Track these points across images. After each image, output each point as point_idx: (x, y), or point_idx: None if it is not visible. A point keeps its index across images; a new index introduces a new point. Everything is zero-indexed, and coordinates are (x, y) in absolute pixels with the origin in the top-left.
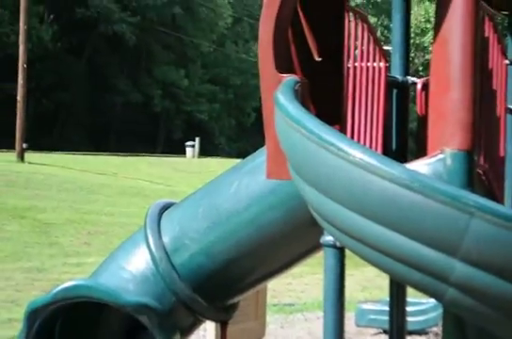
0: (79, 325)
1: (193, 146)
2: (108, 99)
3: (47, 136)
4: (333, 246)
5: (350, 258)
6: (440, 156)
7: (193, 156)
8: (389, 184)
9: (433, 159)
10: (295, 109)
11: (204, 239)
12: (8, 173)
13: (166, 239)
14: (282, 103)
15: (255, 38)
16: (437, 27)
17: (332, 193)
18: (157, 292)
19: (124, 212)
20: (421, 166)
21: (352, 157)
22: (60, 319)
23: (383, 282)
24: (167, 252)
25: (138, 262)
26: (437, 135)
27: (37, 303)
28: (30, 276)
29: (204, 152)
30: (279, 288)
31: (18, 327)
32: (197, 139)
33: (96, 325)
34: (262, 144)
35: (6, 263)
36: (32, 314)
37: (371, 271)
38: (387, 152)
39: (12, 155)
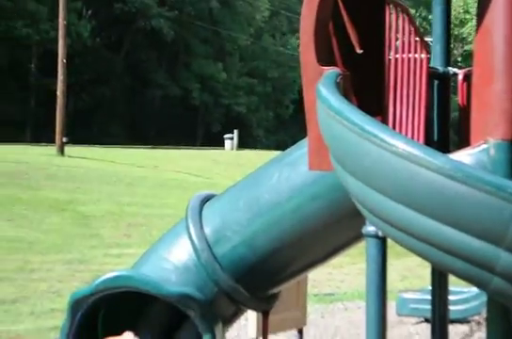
0: (122, 316)
1: (232, 138)
2: (147, 93)
3: (87, 130)
4: (375, 236)
5: (391, 248)
6: (484, 146)
7: (232, 149)
8: (432, 174)
9: (476, 149)
10: (337, 101)
11: (246, 231)
12: (49, 167)
13: (207, 230)
14: (324, 95)
15: (292, 31)
16: (479, 18)
17: (375, 184)
18: (199, 282)
19: (164, 204)
20: (464, 156)
21: (395, 148)
22: (103, 310)
23: (424, 271)
24: (208, 243)
25: (180, 253)
26: (480, 125)
27: (79, 294)
28: (72, 267)
29: (243, 144)
30: (319, 278)
31: (60, 317)
32: (235, 132)
33: (139, 316)
34: (300, 136)
35: (47, 254)
36: (75, 305)
37: (411, 261)
38: (429, 142)
39: (52, 149)
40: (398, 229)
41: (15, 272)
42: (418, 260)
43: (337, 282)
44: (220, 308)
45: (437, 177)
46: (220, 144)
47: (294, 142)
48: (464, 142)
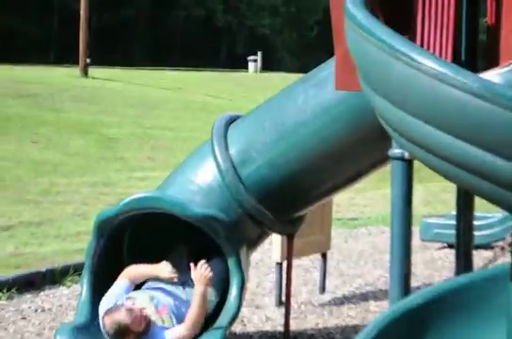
0: (147, 237)
1: (255, 61)
2: (171, 14)
3: (110, 52)
4: (401, 158)
5: (414, 173)
6: None
7: (255, 71)
8: (461, 93)
9: (505, 69)
10: (365, 18)
11: (270, 151)
12: (73, 88)
13: (232, 152)
14: (352, 12)
15: None
16: None
17: (403, 103)
18: (224, 204)
19: (188, 127)
20: (493, 75)
21: (424, 67)
22: (128, 233)
23: (447, 196)
24: (233, 164)
25: (205, 174)
26: (509, 45)
27: (106, 214)
28: (96, 190)
29: (266, 66)
30: (342, 203)
31: (86, 239)
32: (259, 54)
33: (164, 238)
34: (324, 58)
35: (72, 177)
36: (101, 226)
37: (435, 186)
38: (457, 61)
39: (76, 71)
40: (425, 150)
41: (41, 195)
42: (442, 185)
43: (360, 206)
44: (245, 230)
45: (465, 96)
46: (244, 66)
47: (317, 65)
48: (492, 63)
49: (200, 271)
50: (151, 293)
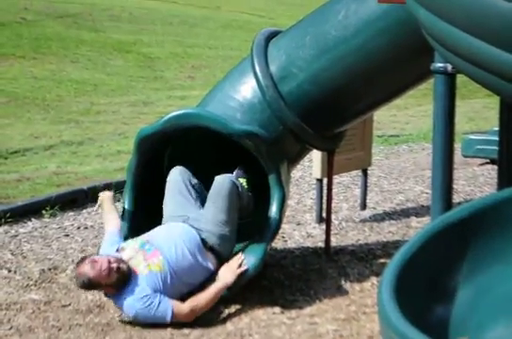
0: (187, 154)
1: None
2: None
3: None
4: (444, 72)
5: (456, 89)
6: None
7: None
8: (508, 4)
9: None
10: None
11: (311, 67)
12: (112, 8)
13: (273, 68)
14: None
15: None
16: None
17: (449, 16)
18: (264, 120)
19: (227, 45)
20: None
21: None
22: (169, 148)
23: (489, 113)
24: (274, 81)
25: (245, 90)
26: None
27: (147, 131)
28: (136, 109)
29: None
30: (383, 120)
31: (126, 158)
32: None
33: (204, 155)
34: None
35: (112, 97)
36: (142, 142)
37: (477, 103)
38: None
39: None
40: (470, 62)
41: (81, 114)
42: (484, 101)
43: (402, 123)
44: (285, 146)
45: (509, 6)
46: None
47: None
48: None
49: (229, 270)
50: (144, 238)
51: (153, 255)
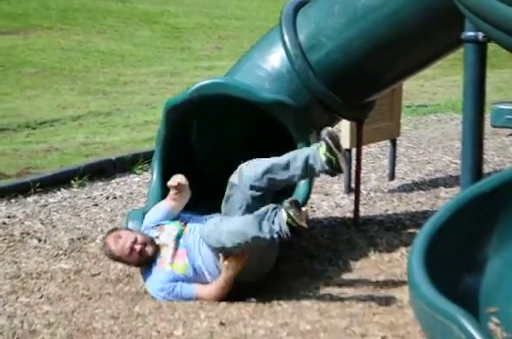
0: (216, 124)
1: None
2: None
3: None
4: (475, 41)
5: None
6: None
7: None
8: None
9: None
10: None
11: (340, 36)
12: None
13: (301, 37)
14: None
15: None
16: None
17: None
18: (292, 89)
19: (255, 16)
20: None
21: None
22: (197, 118)
23: None
24: (302, 50)
25: (274, 60)
26: None
27: (176, 100)
28: (163, 80)
29: None
30: (411, 90)
31: (154, 129)
32: None
33: (232, 127)
34: None
35: (139, 67)
36: (170, 112)
37: (506, 73)
38: None
39: None
40: (502, 29)
41: (109, 85)
42: None
43: (430, 94)
44: (314, 116)
45: None
46: None
47: None
48: None
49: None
50: (183, 227)
51: (181, 255)
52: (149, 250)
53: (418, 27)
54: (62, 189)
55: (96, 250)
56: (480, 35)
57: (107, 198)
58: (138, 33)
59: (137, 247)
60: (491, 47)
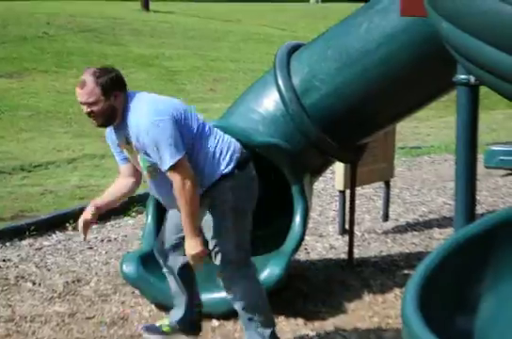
0: None
1: None
2: None
3: None
4: (467, 84)
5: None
6: None
7: (317, 1)
8: None
9: None
10: None
11: (334, 80)
12: (134, 22)
13: (295, 81)
14: None
15: None
16: None
17: (471, 28)
18: (287, 133)
19: (249, 58)
20: None
21: None
22: None
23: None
24: (296, 94)
25: (268, 103)
26: None
27: None
28: None
29: None
30: (405, 132)
31: None
32: None
33: None
34: None
35: None
36: None
37: (499, 114)
38: None
39: (137, 4)
40: (493, 73)
41: (103, 128)
42: (506, 112)
43: (423, 135)
44: (308, 159)
45: None
46: None
47: None
48: None
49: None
50: None
51: None
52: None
53: (412, 71)
54: (57, 232)
55: (90, 292)
56: (472, 78)
57: (102, 241)
58: (133, 76)
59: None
60: (483, 88)
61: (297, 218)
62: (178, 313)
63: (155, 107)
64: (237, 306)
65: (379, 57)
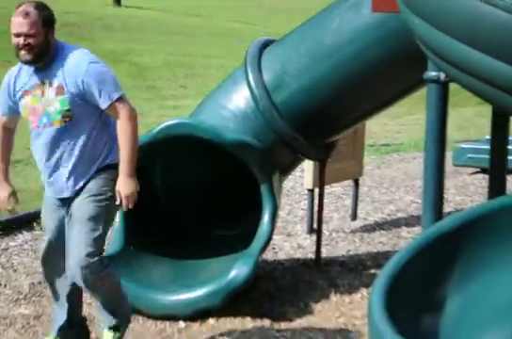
0: (178, 167)
1: None
2: None
3: None
4: (437, 81)
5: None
6: None
7: None
8: (501, 12)
9: None
10: None
11: (305, 76)
12: (105, 17)
13: (266, 77)
14: None
15: None
16: None
17: (442, 25)
18: (257, 130)
19: (220, 54)
20: None
21: None
22: (160, 159)
23: (481, 121)
24: (267, 90)
25: (239, 100)
26: None
27: (140, 141)
28: None
29: None
30: (375, 129)
31: None
32: None
33: (196, 166)
34: None
35: None
36: None
37: (469, 111)
38: None
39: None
40: (464, 70)
41: None
42: (475, 109)
43: (393, 132)
44: (278, 156)
45: (505, 15)
46: None
47: None
48: None
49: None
50: None
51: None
52: None
53: (383, 67)
54: (24, 232)
55: None
56: (442, 75)
57: None
58: None
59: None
60: (453, 86)
61: (266, 218)
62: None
63: (92, 55)
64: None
65: (350, 54)
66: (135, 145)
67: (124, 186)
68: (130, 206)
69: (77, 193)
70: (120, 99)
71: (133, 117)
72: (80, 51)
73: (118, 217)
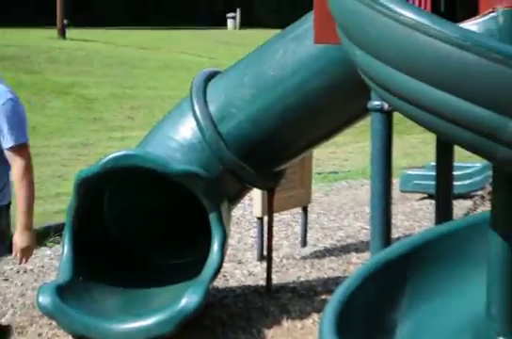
0: (128, 196)
1: (234, 18)
2: None
3: (87, 12)
4: (381, 110)
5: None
6: (492, 15)
7: (234, 28)
8: (440, 43)
9: (485, 18)
10: None
11: (250, 107)
12: (50, 50)
13: (212, 108)
14: None
15: None
16: None
17: (383, 55)
18: (204, 160)
19: (167, 85)
20: (472, 25)
21: (403, 17)
22: (108, 190)
23: (426, 148)
24: (213, 121)
25: (185, 131)
26: None
27: (87, 172)
28: (75, 151)
29: (246, 23)
30: (322, 157)
31: (66, 200)
32: (238, 11)
33: (145, 195)
34: (304, 14)
35: (51, 139)
36: (82, 184)
37: (414, 138)
38: (436, 11)
39: (53, 32)
40: (405, 100)
41: None
42: (420, 137)
43: (341, 160)
44: (226, 186)
45: (445, 46)
46: (223, 23)
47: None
48: (471, 12)
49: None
50: None
51: None
52: None
53: (327, 97)
54: None
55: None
56: (385, 104)
57: (18, 272)
58: (50, 104)
59: None
60: (398, 114)
61: (215, 246)
62: None
63: (16, 94)
64: None
65: (294, 84)
66: (32, 197)
67: (21, 240)
68: (24, 261)
69: None
70: (25, 146)
71: (31, 167)
72: (4, 86)
73: (66, 248)
